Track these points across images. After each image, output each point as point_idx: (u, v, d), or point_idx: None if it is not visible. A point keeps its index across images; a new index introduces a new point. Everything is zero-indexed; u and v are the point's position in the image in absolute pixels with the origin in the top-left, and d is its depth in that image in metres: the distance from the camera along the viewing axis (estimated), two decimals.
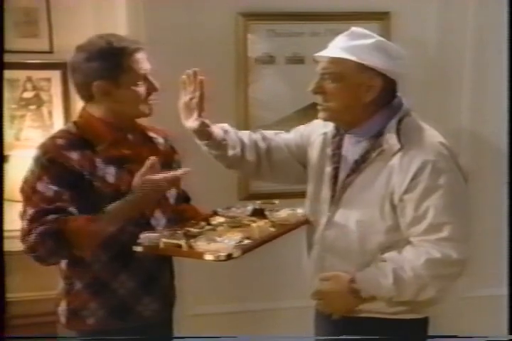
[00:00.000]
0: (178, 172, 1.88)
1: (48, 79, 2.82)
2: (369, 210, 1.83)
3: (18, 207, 2.62)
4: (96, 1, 2.70)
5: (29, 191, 1.82)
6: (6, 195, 2.62)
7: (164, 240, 1.77)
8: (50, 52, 2.79)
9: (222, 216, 2.01)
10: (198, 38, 2.56)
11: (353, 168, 1.88)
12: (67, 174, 1.79)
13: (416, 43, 2.72)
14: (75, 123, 1.92)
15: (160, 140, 2.03)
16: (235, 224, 1.94)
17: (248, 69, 2.65)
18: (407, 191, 1.77)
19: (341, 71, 1.82)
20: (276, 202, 2.06)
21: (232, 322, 2.68)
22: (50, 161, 1.80)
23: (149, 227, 1.89)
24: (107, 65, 1.80)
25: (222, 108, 2.58)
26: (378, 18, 2.70)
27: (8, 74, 2.73)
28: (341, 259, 1.88)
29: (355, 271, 1.83)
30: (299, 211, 2.00)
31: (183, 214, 2.06)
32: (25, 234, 1.78)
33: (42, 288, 2.61)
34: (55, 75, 2.81)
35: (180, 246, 1.75)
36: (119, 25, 2.55)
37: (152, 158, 1.82)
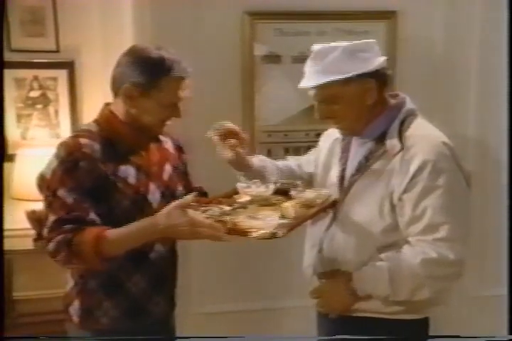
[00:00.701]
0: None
1: (55, 79, 2.83)
2: (370, 209, 1.83)
3: (25, 206, 2.64)
4: (102, 0, 2.71)
5: (49, 193, 1.77)
6: (13, 193, 2.65)
7: (205, 215, 1.70)
8: (57, 51, 2.81)
9: (246, 194, 1.96)
10: (204, 37, 2.56)
11: (357, 169, 1.89)
12: (91, 178, 1.75)
13: (423, 42, 2.72)
14: (95, 121, 1.88)
15: (169, 141, 2.03)
16: (264, 202, 1.91)
17: (254, 69, 2.65)
18: (406, 190, 1.77)
19: (332, 93, 1.82)
20: (299, 182, 2.01)
21: (236, 321, 2.68)
22: (75, 164, 1.75)
23: None
24: (146, 76, 1.77)
25: (228, 107, 2.59)
26: (385, 17, 2.70)
27: (14, 73, 2.76)
28: (341, 258, 1.88)
29: (353, 270, 1.83)
30: (324, 191, 1.96)
31: None
32: (46, 241, 1.75)
33: (49, 286, 2.62)
34: (62, 74, 2.82)
35: (224, 222, 1.69)
36: (125, 24, 2.56)
37: (193, 194, 1.72)
